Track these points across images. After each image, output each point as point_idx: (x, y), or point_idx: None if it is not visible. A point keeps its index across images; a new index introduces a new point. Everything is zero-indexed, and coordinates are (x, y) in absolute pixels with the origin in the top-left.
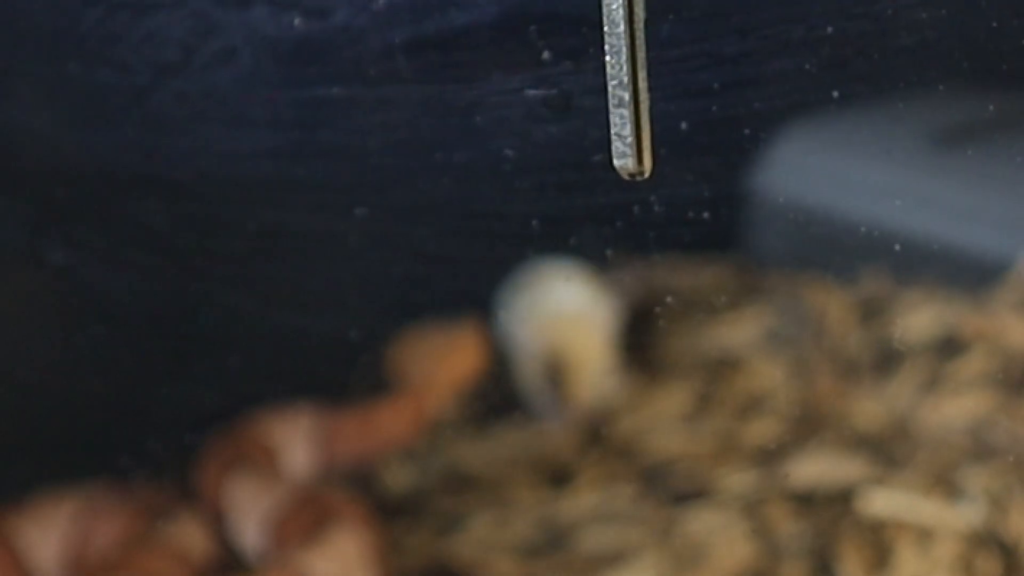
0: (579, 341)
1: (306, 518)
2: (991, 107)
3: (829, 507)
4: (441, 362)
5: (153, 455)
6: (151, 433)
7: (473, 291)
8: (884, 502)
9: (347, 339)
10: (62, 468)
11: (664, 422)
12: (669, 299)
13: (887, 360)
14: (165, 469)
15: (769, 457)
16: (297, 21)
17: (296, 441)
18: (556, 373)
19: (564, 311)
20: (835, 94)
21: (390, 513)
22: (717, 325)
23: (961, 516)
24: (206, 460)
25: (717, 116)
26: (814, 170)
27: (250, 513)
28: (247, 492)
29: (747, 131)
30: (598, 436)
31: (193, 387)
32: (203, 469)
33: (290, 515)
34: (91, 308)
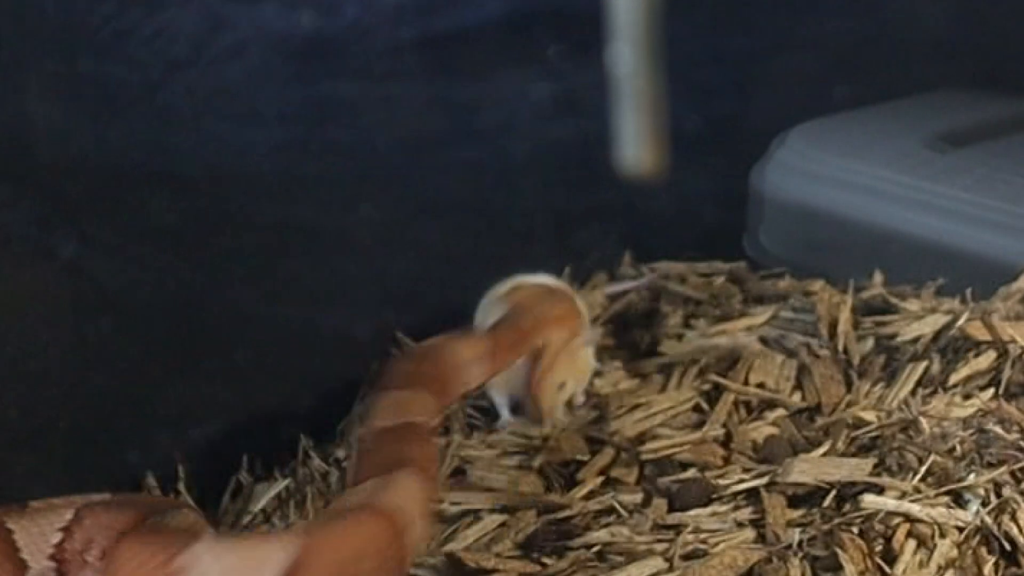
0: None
1: (389, 452)
2: (992, 109)
3: (830, 507)
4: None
5: (160, 449)
6: (158, 427)
7: (480, 287)
8: (885, 502)
9: (354, 334)
10: (69, 460)
11: (666, 422)
12: (673, 298)
13: (889, 360)
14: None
15: (771, 457)
16: (305, 18)
17: (473, 360)
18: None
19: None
20: (839, 96)
21: None
22: (721, 325)
23: (962, 516)
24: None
25: (722, 116)
26: (817, 171)
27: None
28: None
29: (752, 131)
30: (601, 436)
31: (200, 381)
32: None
33: (380, 444)
34: (100, 302)
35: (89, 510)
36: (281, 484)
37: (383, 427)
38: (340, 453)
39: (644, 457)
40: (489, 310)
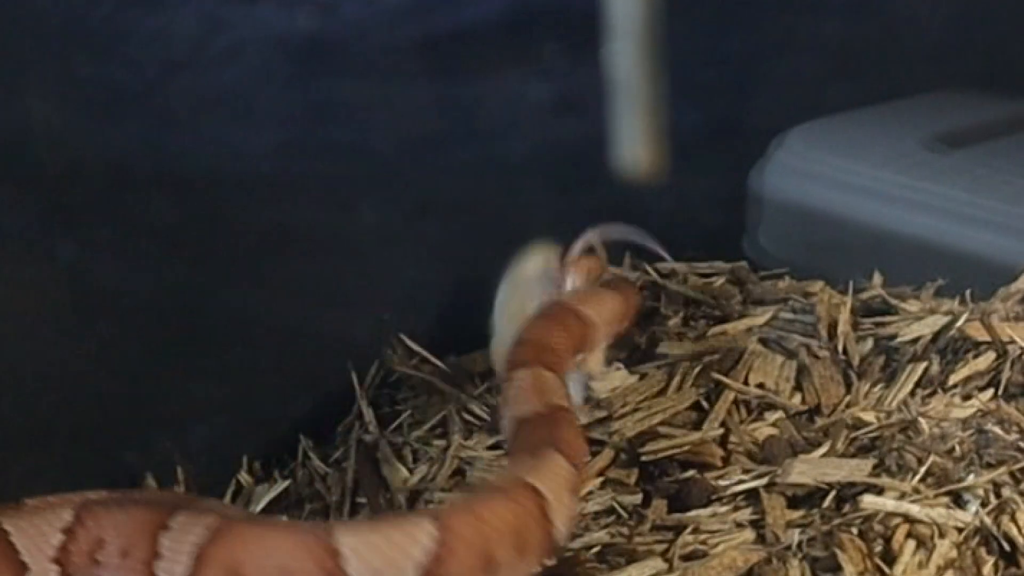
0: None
1: (539, 435)
2: (991, 110)
3: (830, 508)
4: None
5: (159, 450)
6: (158, 428)
7: (479, 287)
8: (885, 503)
9: (354, 334)
10: (68, 461)
11: (666, 422)
12: (673, 298)
13: (888, 361)
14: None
15: (770, 457)
16: (304, 19)
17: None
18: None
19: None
20: (838, 96)
21: None
22: (720, 325)
23: (961, 516)
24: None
25: (721, 116)
26: (817, 171)
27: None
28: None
29: (751, 132)
30: (600, 437)
31: (200, 382)
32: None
33: (530, 428)
34: (99, 303)
35: (91, 509)
36: (281, 486)
37: (534, 412)
38: (339, 455)
39: (644, 458)
40: (521, 289)
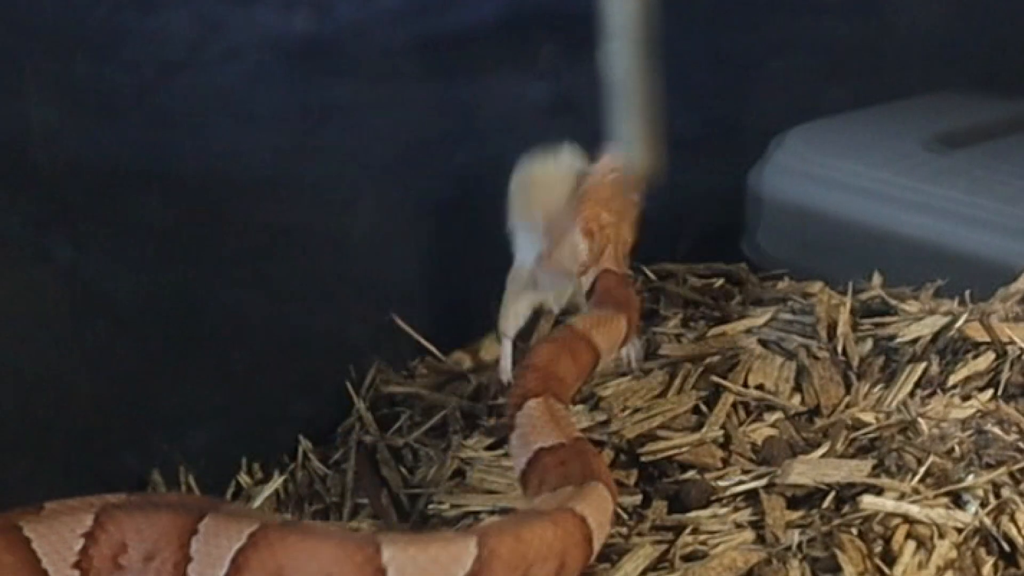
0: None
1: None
2: (991, 110)
3: (829, 508)
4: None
5: (159, 451)
6: (157, 429)
7: (479, 287)
8: (884, 503)
9: (353, 335)
10: (67, 463)
11: (666, 424)
12: (673, 300)
13: (887, 362)
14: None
15: (770, 458)
16: (301, 20)
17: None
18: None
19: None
20: (837, 97)
21: None
22: (720, 326)
23: (961, 517)
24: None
25: (719, 117)
26: (816, 172)
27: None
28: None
29: (750, 133)
30: (600, 438)
31: (199, 383)
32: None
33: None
34: (97, 304)
35: (112, 513)
36: (278, 481)
37: (556, 442)
38: (339, 456)
39: (644, 459)
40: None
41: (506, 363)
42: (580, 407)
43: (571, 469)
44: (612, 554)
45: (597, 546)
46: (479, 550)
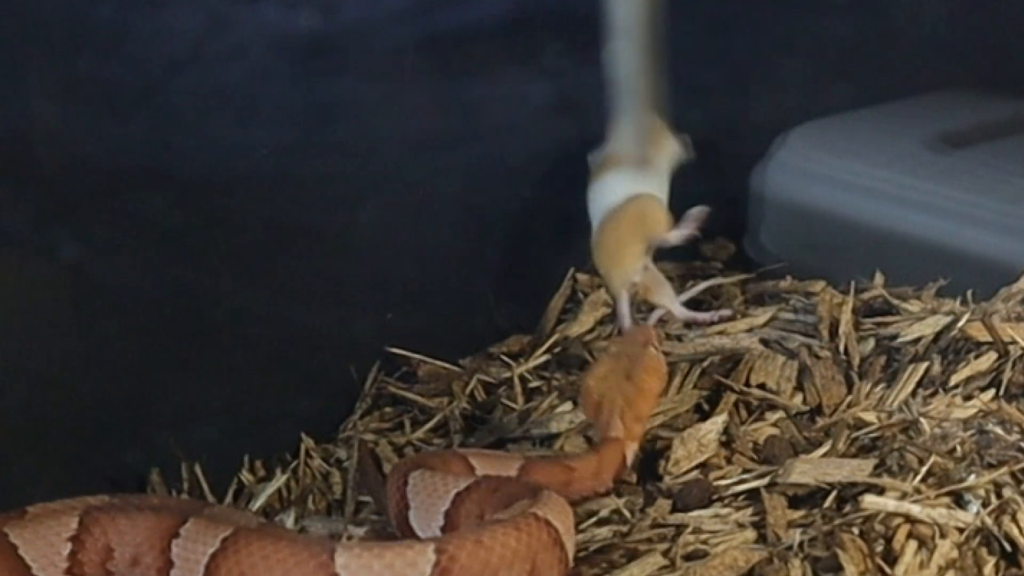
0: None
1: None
2: (993, 110)
3: (831, 508)
4: (635, 397)
5: (161, 449)
6: (159, 427)
7: (480, 287)
8: (886, 503)
9: (354, 334)
10: (70, 461)
11: (668, 423)
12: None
13: (889, 361)
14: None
15: (771, 457)
16: (305, 19)
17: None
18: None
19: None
20: (839, 97)
21: None
22: (722, 325)
23: (963, 517)
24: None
25: (722, 116)
26: (818, 171)
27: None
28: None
29: (753, 132)
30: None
31: (201, 381)
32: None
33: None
34: (100, 302)
35: (95, 516)
36: (280, 478)
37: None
38: (341, 454)
39: (645, 457)
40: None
41: (624, 309)
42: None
43: (513, 490)
44: (614, 554)
45: (570, 551)
46: (437, 556)
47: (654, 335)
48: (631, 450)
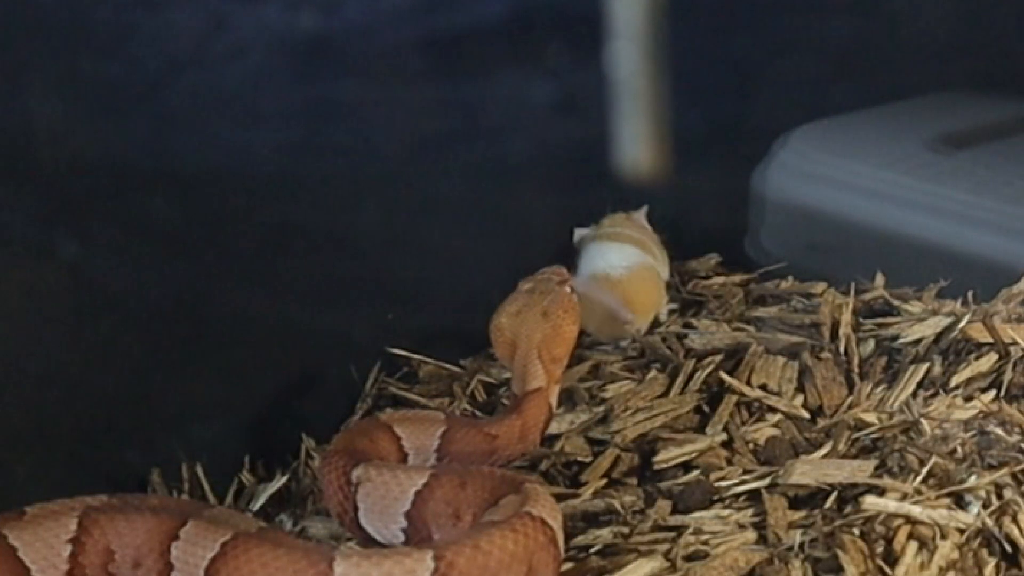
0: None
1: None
2: (994, 111)
3: (831, 509)
4: (547, 343)
5: (162, 449)
6: (160, 427)
7: (480, 287)
8: (886, 504)
9: (354, 334)
10: (71, 461)
11: (668, 424)
12: (675, 299)
13: (890, 362)
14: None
15: (772, 458)
16: (306, 19)
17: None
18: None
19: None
20: (840, 97)
21: None
22: (723, 325)
23: (963, 518)
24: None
25: (724, 117)
26: (819, 172)
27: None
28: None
29: (754, 133)
30: (603, 438)
31: (202, 382)
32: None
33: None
34: (101, 302)
35: (95, 518)
36: (280, 479)
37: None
38: None
39: (646, 457)
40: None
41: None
42: (582, 406)
43: (486, 482)
44: (614, 554)
45: (562, 546)
46: (436, 563)
47: (568, 274)
48: (554, 395)
